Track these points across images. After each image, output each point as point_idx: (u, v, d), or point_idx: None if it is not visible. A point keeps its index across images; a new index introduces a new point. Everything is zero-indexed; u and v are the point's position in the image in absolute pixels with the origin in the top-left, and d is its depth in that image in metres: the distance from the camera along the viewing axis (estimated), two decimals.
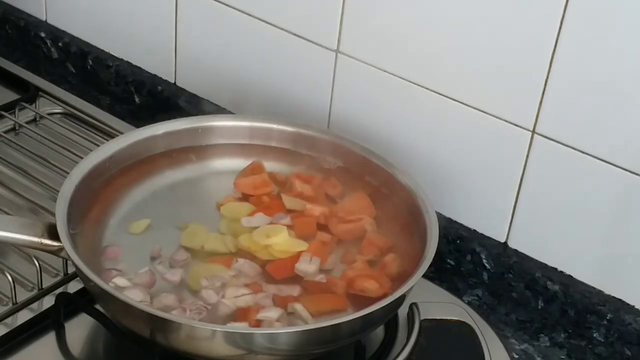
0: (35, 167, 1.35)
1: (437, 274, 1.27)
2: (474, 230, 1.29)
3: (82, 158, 1.21)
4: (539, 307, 1.25)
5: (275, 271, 1.12)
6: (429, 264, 1.08)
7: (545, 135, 1.19)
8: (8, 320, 1.13)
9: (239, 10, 1.39)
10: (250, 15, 1.38)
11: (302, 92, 1.37)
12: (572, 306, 1.22)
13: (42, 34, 1.60)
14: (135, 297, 1.05)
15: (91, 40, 1.58)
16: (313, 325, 1.05)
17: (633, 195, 1.15)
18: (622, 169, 1.14)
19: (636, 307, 1.19)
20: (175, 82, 1.51)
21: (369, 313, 1.03)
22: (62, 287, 1.18)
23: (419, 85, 1.26)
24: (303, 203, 1.21)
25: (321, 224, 1.19)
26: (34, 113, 1.46)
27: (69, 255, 1.05)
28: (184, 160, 1.26)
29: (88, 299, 1.13)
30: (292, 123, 1.28)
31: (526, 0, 1.14)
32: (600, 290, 1.21)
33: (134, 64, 1.54)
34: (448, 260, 1.29)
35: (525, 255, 1.26)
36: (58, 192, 1.13)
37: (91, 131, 1.44)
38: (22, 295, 1.16)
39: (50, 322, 1.14)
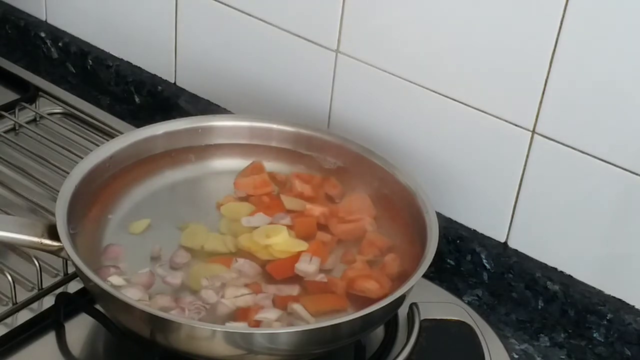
0: (35, 167, 1.35)
1: (437, 274, 1.27)
2: (474, 230, 1.29)
3: (82, 158, 1.21)
4: (539, 307, 1.24)
5: (275, 271, 1.12)
6: (429, 264, 1.08)
7: (545, 135, 1.19)
8: (8, 320, 1.13)
9: (239, 10, 1.39)
10: (250, 15, 1.38)
11: (302, 92, 1.37)
12: (572, 306, 1.22)
13: (42, 34, 1.60)
14: (133, 296, 1.05)
15: (91, 40, 1.58)
16: (313, 325, 1.05)
17: (633, 195, 1.15)
18: (622, 169, 1.14)
19: (636, 307, 1.19)
20: (175, 82, 1.51)
21: (369, 313, 1.03)
22: (62, 287, 1.18)
23: (419, 85, 1.26)
24: (303, 203, 1.21)
25: (321, 224, 1.19)
26: (34, 113, 1.46)
27: (69, 255, 1.05)
28: (184, 160, 1.26)
29: (88, 299, 1.13)
30: (292, 123, 1.28)
31: (526, 0, 1.14)
32: (600, 290, 1.21)
33: (134, 64, 1.54)
34: (448, 260, 1.29)
35: (525, 255, 1.26)
36: (58, 192, 1.13)
37: (91, 131, 1.44)
38: (22, 295, 1.15)
39: (50, 322, 1.14)
